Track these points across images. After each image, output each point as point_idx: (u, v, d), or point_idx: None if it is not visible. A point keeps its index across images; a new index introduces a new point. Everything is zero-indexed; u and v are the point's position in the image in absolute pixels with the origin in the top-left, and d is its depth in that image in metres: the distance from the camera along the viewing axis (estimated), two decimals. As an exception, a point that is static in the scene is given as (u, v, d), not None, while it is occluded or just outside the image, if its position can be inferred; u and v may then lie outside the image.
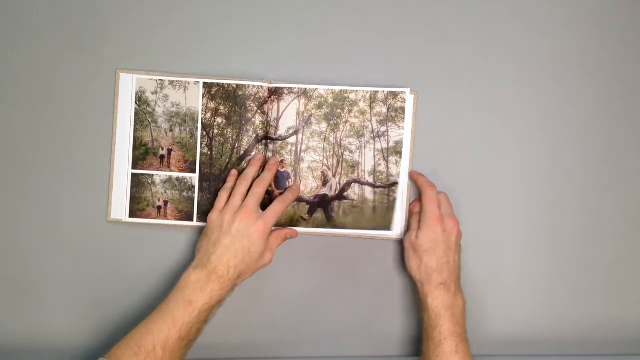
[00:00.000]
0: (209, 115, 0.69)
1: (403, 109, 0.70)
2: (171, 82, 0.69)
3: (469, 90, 0.72)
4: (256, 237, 0.63)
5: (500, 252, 0.73)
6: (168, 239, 0.70)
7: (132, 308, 0.70)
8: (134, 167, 0.69)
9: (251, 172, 0.67)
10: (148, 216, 0.70)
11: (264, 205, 0.66)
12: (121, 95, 0.69)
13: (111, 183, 0.69)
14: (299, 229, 0.70)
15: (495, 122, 0.73)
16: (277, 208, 0.65)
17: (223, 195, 0.66)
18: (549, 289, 0.74)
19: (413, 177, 0.70)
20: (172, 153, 0.70)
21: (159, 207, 0.70)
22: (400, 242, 0.71)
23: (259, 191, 0.65)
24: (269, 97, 0.69)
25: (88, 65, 0.69)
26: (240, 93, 0.69)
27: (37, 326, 0.70)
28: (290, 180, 0.70)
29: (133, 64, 0.69)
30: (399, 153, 0.70)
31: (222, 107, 0.69)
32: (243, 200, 0.65)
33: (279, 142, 0.70)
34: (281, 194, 0.68)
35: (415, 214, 0.69)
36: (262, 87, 0.69)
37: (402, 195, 0.71)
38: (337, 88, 0.70)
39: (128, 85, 0.69)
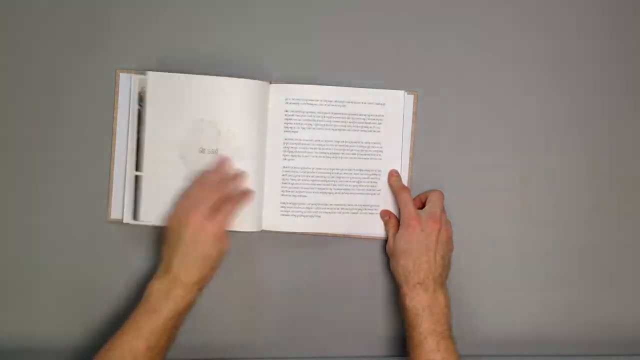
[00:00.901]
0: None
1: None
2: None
3: (469, 91, 0.72)
4: (209, 243, 0.60)
5: (500, 252, 0.73)
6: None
7: (131, 308, 0.69)
8: (137, 169, 0.68)
9: (214, 177, 0.65)
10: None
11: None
12: (121, 95, 0.69)
13: (111, 183, 0.69)
14: (296, 229, 0.69)
15: (495, 122, 0.73)
16: (227, 208, 0.63)
17: (185, 192, 0.65)
18: (549, 289, 0.74)
19: (389, 181, 0.70)
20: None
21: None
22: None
23: (211, 197, 0.62)
24: None
25: (88, 65, 0.69)
26: None
27: (34, 326, 0.69)
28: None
29: (133, 64, 0.69)
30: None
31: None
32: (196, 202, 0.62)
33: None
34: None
35: (387, 221, 0.70)
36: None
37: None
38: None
39: (128, 85, 0.69)
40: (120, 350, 0.57)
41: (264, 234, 0.69)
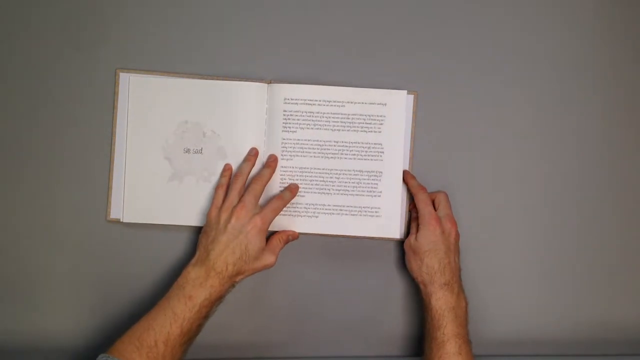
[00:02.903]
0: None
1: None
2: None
3: (468, 91, 0.72)
4: (253, 233, 0.62)
5: (500, 252, 0.73)
6: (167, 238, 0.70)
7: (131, 307, 0.70)
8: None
9: (246, 167, 0.67)
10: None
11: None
12: (121, 95, 0.69)
13: (110, 183, 0.69)
14: (300, 229, 0.70)
15: (494, 122, 0.73)
16: (275, 205, 0.65)
17: (219, 192, 0.66)
18: (549, 289, 0.74)
19: (405, 180, 0.70)
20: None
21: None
22: (400, 243, 0.71)
23: (257, 188, 0.65)
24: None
25: (88, 65, 0.69)
26: None
27: (35, 325, 0.70)
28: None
29: (133, 64, 0.69)
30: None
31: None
32: (240, 197, 0.65)
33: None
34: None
35: (414, 218, 0.69)
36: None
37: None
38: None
39: (128, 85, 0.69)
40: (154, 332, 0.58)
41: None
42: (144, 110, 0.69)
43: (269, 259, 0.64)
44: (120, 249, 0.70)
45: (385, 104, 0.70)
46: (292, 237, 0.68)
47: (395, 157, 0.70)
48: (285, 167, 0.70)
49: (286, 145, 0.69)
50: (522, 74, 0.73)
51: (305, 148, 0.70)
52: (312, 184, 0.70)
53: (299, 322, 0.72)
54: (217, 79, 0.69)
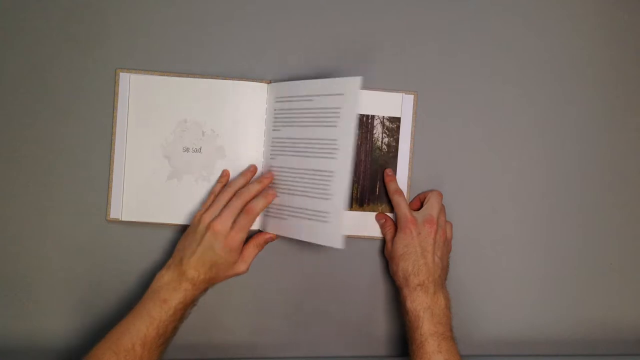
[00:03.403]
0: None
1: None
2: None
3: (468, 91, 0.72)
4: (222, 252, 0.62)
5: (500, 251, 0.73)
6: (167, 238, 0.70)
7: (130, 307, 0.69)
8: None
9: (239, 182, 0.67)
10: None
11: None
12: (121, 95, 0.69)
13: (111, 182, 0.69)
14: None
15: (494, 123, 0.73)
16: (242, 222, 0.63)
17: (210, 198, 0.67)
18: (548, 289, 0.74)
19: (385, 181, 0.70)
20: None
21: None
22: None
23: (237, 204, 0.64)
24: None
25: (88, 65, 0.69)
26: None
27: (33, 325, 0.70)
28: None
29: (133, 64, 0.69)
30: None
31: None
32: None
33: None
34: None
35: (384, 224, 0.70)
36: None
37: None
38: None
39: (128, 84, 0.69)
40: (131, 336, 0.58)
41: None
42: (143, 109, 0.69)
43: (239, 268, 0.65)
44: (120, 248, 0.70)
45: (342, 94, 0.62)
46: (270, 240, 0.68)
47: (346, 156, 0.62)
48: (273, 166, 0.68)
49: (275, 145, 0.68)
50: (522, 74, 0.73)
51: (285, 147, 0.67)
52: (281, 185, 0.67)
53: (295, 323, 0.72)
54: (217, 79, 0.69)
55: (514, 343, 0.73)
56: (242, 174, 0.69)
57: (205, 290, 0.64)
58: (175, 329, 0.62)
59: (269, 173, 0.68)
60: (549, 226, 0.74)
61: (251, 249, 0.66)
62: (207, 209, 0.65)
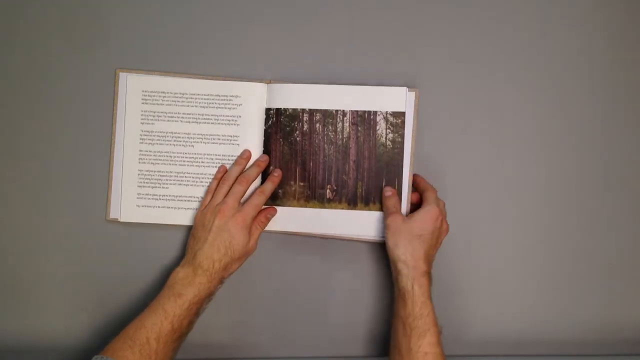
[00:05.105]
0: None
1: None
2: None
3: (468, 89, 0.72)
4: (235, 230, 0.63)
5: (499, 251, 0.73)
6: (166, 238, 0.70)
7: (130, 307, 0.70)
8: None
9: (235, 171, 0.68)
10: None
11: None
12: (121, 95, 0.69)
13: (110, 182, 0.69)
14: (289, 229, 0.69)
15: (494, 121, 0.73)
16: (256, 201, 0.66)
17: (207, 196, 0.68)
18: (548, 289, 0.74)
19: (415, 180, 0.70)
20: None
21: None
22: (382, 245, 0.70)
23: (239, 189, 0.66)
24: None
25: (88, 65, 0.69)
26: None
27: (34, 324, 0.70)
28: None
29: (133, 64, 0.69)
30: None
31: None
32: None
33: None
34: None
35: (390, 197, 0.68)
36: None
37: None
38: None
39: (127, 84, 0.69)
40: (145, 330, 0.59)
41: (263, 233, 0.69)
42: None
43: (252, 246, 0.66)
44: (119, 248, 0.70)
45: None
46: (271, 215, 0.69)
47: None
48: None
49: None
50: (522, 74, 0.73)
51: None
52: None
53: (289, 323, 0.71)
54: (217, 79, 0.69)
55: (514, 343, 0.73)
56: (236, 162, 0.69)
57: (220, 283, 0.64)
58: (190, 324, 0.62)
59: (263, 156, 0.69)
60: (548, 226, 0.73)
61: (254, 227, 0.66)
62: (208, 204, 0.66)
